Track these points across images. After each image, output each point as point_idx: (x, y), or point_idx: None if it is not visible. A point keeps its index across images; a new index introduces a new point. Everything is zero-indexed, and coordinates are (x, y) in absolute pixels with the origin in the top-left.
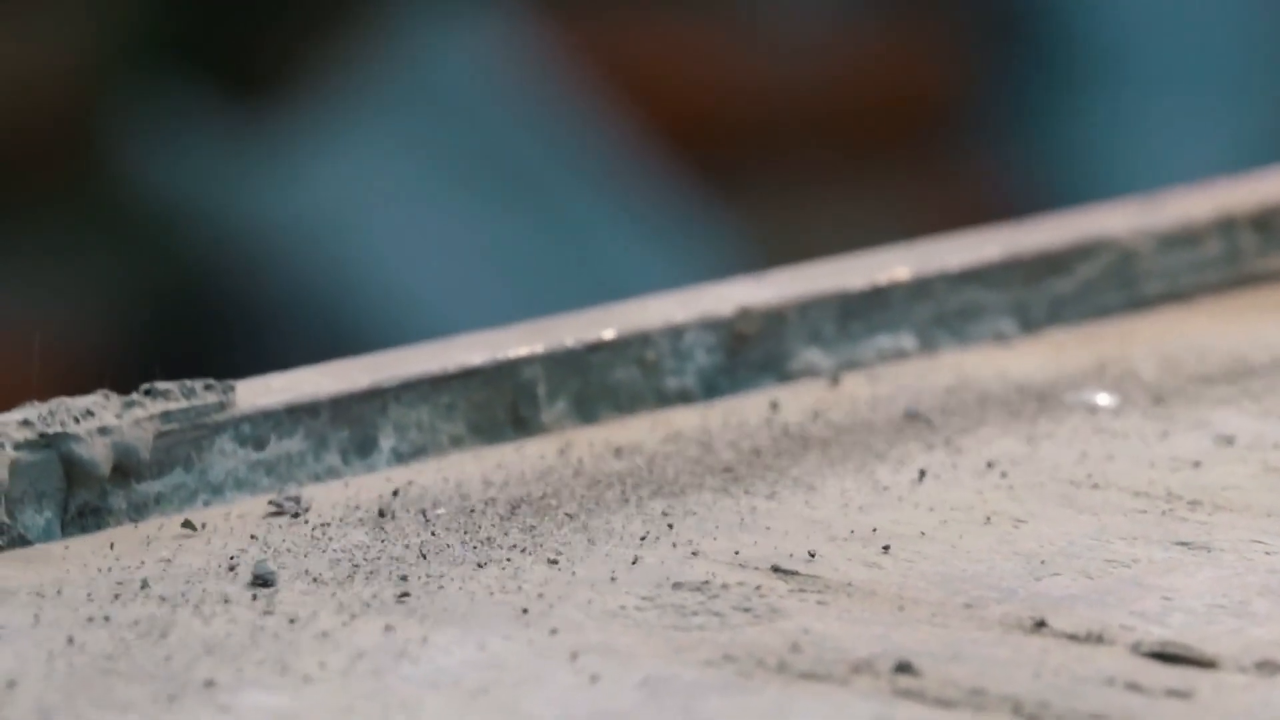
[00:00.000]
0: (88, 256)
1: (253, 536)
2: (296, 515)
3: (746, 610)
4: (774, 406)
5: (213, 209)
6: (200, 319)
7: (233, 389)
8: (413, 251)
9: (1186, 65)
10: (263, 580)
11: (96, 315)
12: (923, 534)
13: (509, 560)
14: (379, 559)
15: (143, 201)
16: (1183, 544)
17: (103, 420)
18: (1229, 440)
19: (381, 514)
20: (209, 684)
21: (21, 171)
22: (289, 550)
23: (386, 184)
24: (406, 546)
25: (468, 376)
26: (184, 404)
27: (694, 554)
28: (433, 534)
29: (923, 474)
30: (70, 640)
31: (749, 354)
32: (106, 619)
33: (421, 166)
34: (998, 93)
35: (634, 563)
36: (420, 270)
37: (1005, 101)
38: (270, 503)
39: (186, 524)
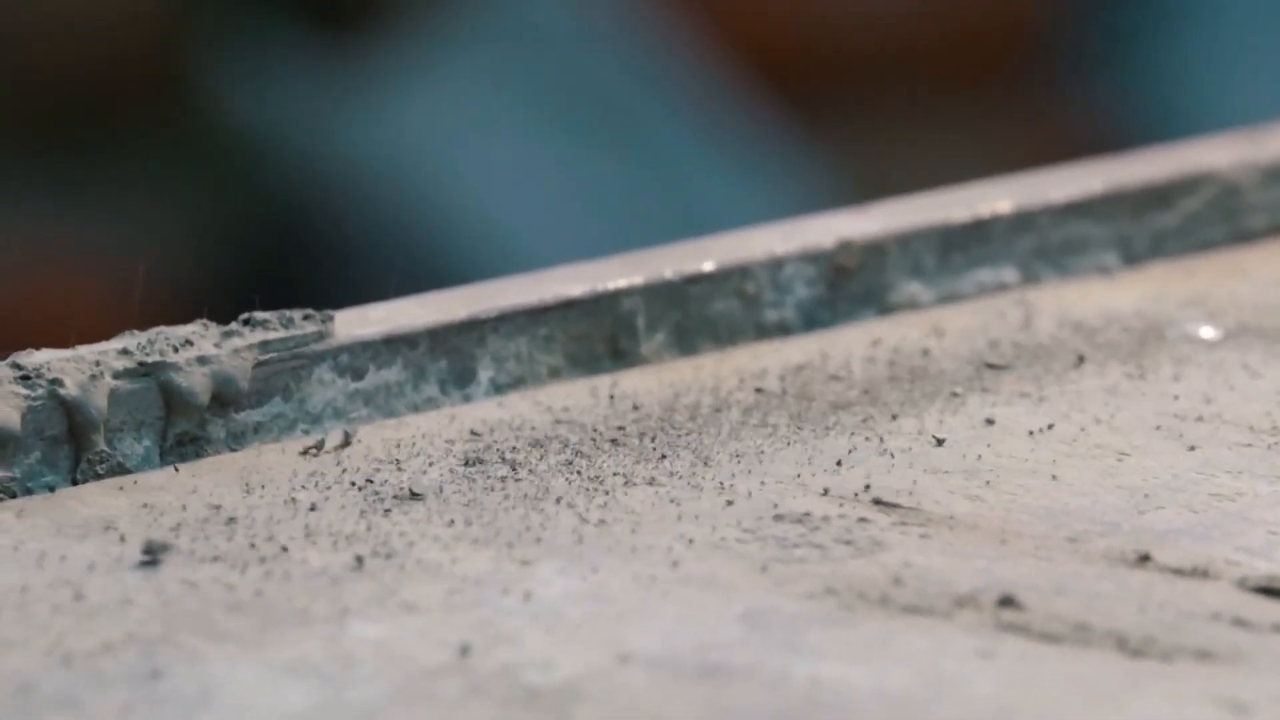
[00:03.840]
0: (183, 189)
1: (351, 467)
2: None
3: (848, 543)
4: (874, 339)
5: (308, 141)
6: (294, 251)
7: (331, 319)
8: (504, 185)
9: None
10: (361, 511)
11: (192, 246)
12: (1025, 467)
13: (609, 492)
14: (478, 490)
15: (237, 134)
16: None
17: (201, 350)
18: None
19: (480, 445)
20: (309, 614)
21: (119, 105)
22: (388, 481)
23: (479, 117)
24: (505, 478)
25: (566, 308)
26: (283, 334)
27: (795, 486)
28: (532, 465)
29: (1024, 406)
30: (170, 569)
31: (849, 286)
32: (206, 548)
33: (513, 99)
34: (1092, 24)
35: (735, 495)
36: (512, 204)
37: (1100, 33)
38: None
39: (286, 453)
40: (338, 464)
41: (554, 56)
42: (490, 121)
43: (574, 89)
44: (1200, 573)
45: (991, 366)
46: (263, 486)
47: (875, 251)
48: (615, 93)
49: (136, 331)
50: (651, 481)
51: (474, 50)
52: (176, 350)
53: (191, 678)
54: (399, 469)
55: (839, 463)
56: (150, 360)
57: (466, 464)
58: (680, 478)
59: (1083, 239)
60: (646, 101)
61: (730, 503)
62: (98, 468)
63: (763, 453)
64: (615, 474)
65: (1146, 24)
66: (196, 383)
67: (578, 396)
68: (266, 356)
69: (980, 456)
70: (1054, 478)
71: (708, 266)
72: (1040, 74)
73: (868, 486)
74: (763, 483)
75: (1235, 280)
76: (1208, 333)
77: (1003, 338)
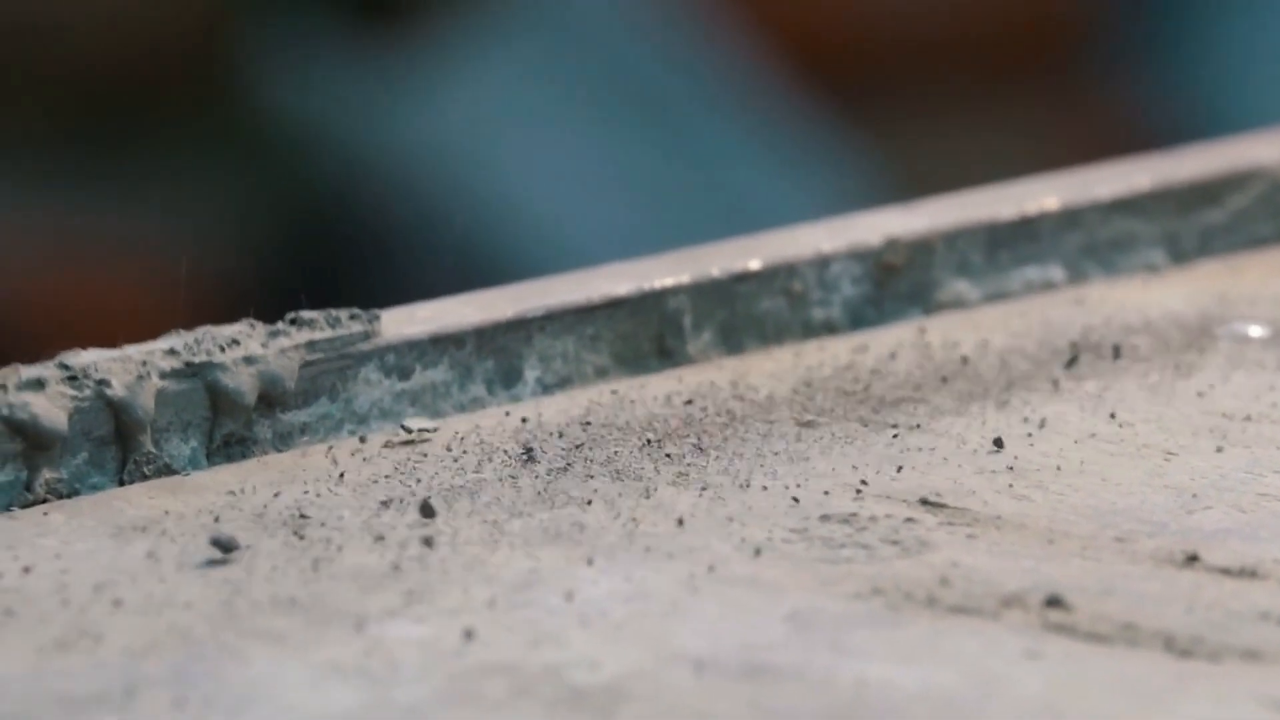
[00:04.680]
0: (227, 184)
1: (397, 467)
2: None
3: (894, 543)
4: (920, 338)
5: (352, 136)
6: (339, 247)
7: (378, 318)
8: (548, 179)
9: None
10: (409, 511)
11: (236, 242)
12: (1072, 467)
13: (654, 491)
14: (524, 489)
15: (281, 128)
16: None
17: (248, 349)
18: None
19: (526, 445)
20: (355, 614)
21: (163, 99)
22: (434, 481)
23: (522, 111)
24: (552, 477)
25: (613, 307)
26: (329, 333)
27: (841, 485)
28: (578, 465)
29: (1071, 406)
30: (216, 569)
31: (896, 285)
32: (253, 548)
33: (558, 93)
34: (1140, 17)
35: (780, 494)
36: (556, 199)
37: (1148, 26)
38: (404, 429)
39: (334, 453)
40: (383, 464)
41: (600, 50)
42: (534, 116)
43: (619, 83)
44: (1248, 573)
45: (1037, 365)
46: (308, 487)
47: (922, 249)
48: (660, 86)
49: (183, 331)
50: (697, 481)
51: (518, 43)
52: (223, 350)
53: (237, 678)
54: (444, 469)
55: (885, 462)
56: (197, 360)
57: (512, 464)
58: (726, 477)
59: (1130, 236)
60: (692, 95)
61: (776, 502)
62: (144, 468)
63: (809, 452)
64: (660, 474)
65: (1194, 17)
66: (243, 383)
67: (624, 396)
68: (313, 356)
69: (1027, 456)
70: (1100, 478)
71: (754, 265)
72: (1087, 68)
73: (914, 486)
74: (809, 482)
75: None
76: (1256, 331)
77: (1049, 336)
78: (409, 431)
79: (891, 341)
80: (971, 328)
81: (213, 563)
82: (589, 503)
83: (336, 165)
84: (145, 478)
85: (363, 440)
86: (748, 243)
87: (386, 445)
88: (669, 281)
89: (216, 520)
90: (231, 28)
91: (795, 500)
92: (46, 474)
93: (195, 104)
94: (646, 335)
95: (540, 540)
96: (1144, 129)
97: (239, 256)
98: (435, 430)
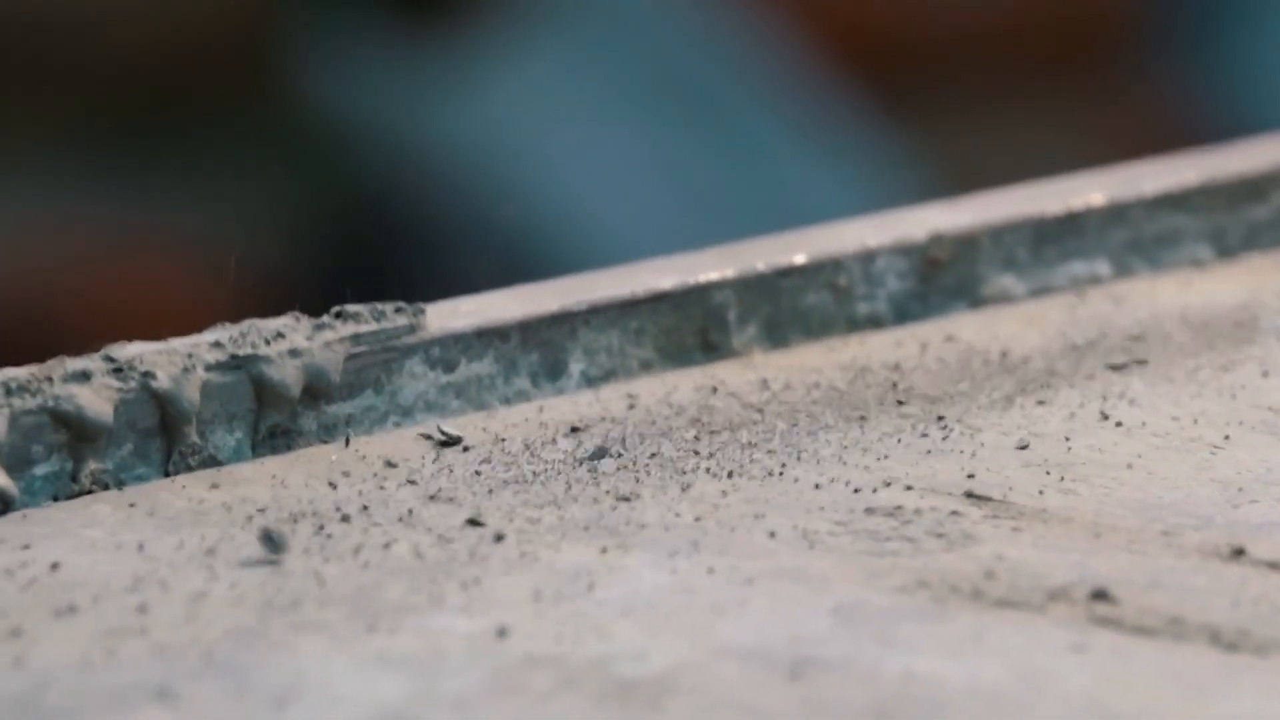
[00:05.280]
0: (272, 178)
1: (440, 459)
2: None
3: (940, 536)
4: (966, 332)
5: (396, 130)
6: (381, 241)
7: (423, 312)
8: (594, 175)
9: None
10: (454, 504)
11: (280, 236)
12: (1118, 460)
13: (700, 485)
14: (570, 482)
15: (326, 123)
16: None
17: (293, 342)
18: None
19: (570, 438)
20: (401, 607)
21: (207, 93)
22: (478, 474)
23: (566, 105)
24: (595, 471)
25: (657, 301)
26: (374, 326)
27: (886, 479)
28: (623, 458)
29: (1117, 400)
30: (263, 561)
31: (941, 279)
32: (297, 540)
33: (601, 87)
34: (1187, 11)
35: (826, 487)
36: (599, 193)
37: (1195, 20)
38: (437, 432)
39: (379, 445)
40: (428, 457)
41: (643, 44)
42: (579, 111)
43: (663, 77)
44: None
45: (1082, 359)
46: (354, 479)
47: (967, 244)
48: (706, 81)
49: (228, 324)
50: (742, 474)
51: (562, 38)
52: (268, 343)
53: (283, 669)
54: (488, 461)
55: (930, 455)
56: (242, 353)
57: (557, 456)
58: (771, 471)
59: (1176, 231)
60: (735, 89)
61: (821, 496)
62: (189, 460)
63: (854, 445)
64: (705, 467)
65: (1239, 11)
66: (289, 375)
67: (668, 390)
68: (358, 349)
69: (1073, 449)
70: (1147, 471)
71: (799, 259)
72: (1132, 64)
73: (959, 479)
74: (854, 475)
75: None
76: None
77: (1095, 331)
78: (445, 436)
79: (936, 336)
80: (1017, 322)
81: (259, 556)
82: (634, 496)
83: (383, 161)
84: (190, 469)
85: (413, 436)
86: (793, 237)
87: (431, 438)
88: (714, 276)
89: (262, 512)
90: (278, 23)
91: (840, 493)
92: (92, 465)
93: (241, 99)
94: (691, 329)
95: (585, 533)
96: (1190, 124)
97: (285, 253)
98: (461, 439)
